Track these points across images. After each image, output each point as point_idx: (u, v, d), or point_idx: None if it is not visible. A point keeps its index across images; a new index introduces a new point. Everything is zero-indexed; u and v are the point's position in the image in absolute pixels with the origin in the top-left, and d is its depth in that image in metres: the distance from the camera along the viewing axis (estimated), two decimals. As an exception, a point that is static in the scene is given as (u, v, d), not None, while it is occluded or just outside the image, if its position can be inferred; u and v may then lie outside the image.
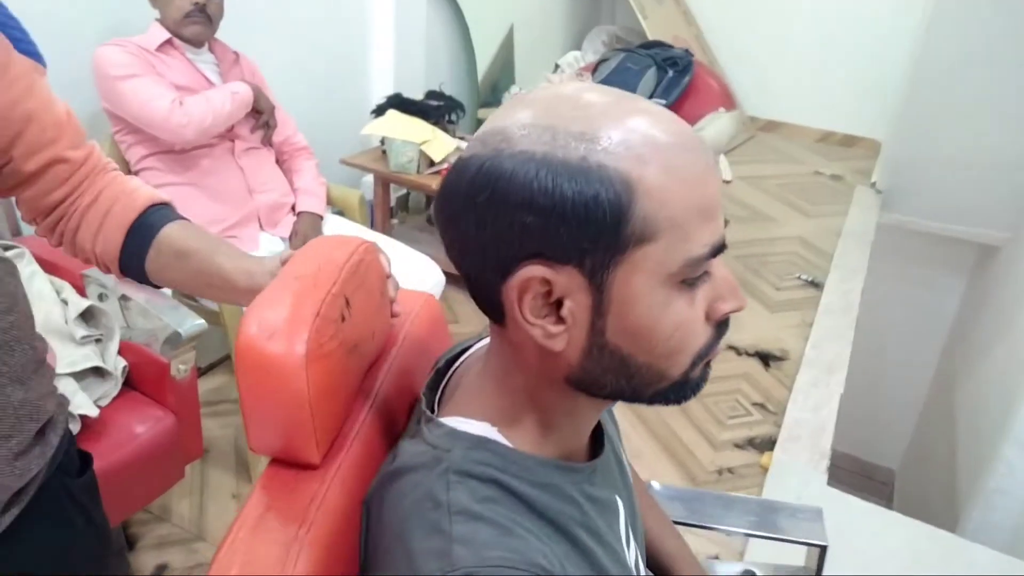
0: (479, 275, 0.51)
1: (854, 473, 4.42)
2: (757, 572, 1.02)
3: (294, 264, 0.63)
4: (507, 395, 0.56)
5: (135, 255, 0.79)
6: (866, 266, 2.96)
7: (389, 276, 0.74)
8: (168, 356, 1.44)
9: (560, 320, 0.49)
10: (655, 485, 1.05)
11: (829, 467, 1.98)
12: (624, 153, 0.46)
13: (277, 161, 1.98)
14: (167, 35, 1.72)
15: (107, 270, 0.82)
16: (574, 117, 0.47)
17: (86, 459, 0.86)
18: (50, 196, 0.77)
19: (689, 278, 0.49)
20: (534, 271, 0.47)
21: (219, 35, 1.90)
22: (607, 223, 0.46)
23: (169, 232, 0.80)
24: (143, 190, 0.82)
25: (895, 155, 3.66)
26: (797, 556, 1.08)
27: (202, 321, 1.48)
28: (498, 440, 0.54)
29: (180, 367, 1.47)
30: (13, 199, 0.79)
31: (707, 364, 0.54)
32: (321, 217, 1.93)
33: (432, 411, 0.59)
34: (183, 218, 0.83)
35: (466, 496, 0.49)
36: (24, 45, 1.39)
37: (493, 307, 0.52)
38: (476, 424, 0.55)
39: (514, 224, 0.47)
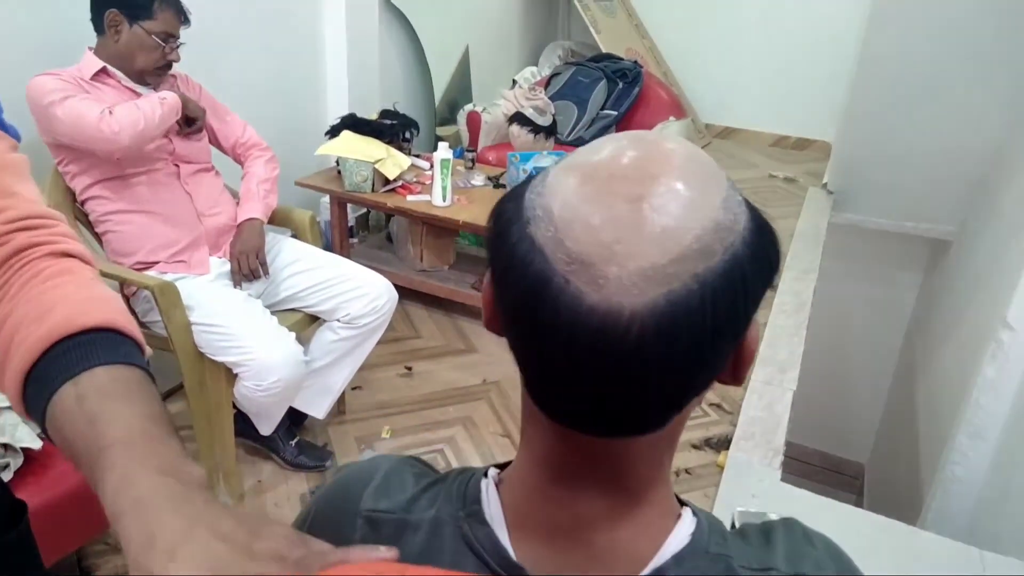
0: (705, 368, 0.43)
1: (824, 469, 4.49)
2: None
3: None
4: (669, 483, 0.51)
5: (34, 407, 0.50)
6: (818, 266, 3.02)
7: None
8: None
9: None
10: None
11: (799, 464, 2.02)
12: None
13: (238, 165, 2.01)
14: (101, 64, 1.73)
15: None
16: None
17: (19, 508, 0.82)
18: None
19: None
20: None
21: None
22: None
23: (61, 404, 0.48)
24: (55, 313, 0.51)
25: (844, 156, 3.74)
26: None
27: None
28: None
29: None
30: None
31: None
32: (260, 220, 1.92)
33: None
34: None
35: None
36: None
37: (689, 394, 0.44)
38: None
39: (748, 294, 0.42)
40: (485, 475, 0.52)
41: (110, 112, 1.61)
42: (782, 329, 2.55)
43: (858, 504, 4.23)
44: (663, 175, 0.41)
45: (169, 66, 1.79)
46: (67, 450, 0.47)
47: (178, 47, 1.77)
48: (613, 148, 0.43)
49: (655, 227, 0.39)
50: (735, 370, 0.46)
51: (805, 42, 4.56)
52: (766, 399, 2.23)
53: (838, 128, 3.93)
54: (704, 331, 0.40)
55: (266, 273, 1.88)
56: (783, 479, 2.01)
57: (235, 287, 1.84)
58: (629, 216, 0.39)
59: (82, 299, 0.51)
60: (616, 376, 0.40)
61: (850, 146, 3.71)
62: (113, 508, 0.41)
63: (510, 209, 0.44)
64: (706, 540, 0.48)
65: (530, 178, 0.46)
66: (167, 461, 0.44)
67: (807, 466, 4.37)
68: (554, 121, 3.14)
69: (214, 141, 2.00)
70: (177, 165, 1.82)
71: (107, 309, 0.52)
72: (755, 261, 0.42)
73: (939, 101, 3.31)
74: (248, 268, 1.84)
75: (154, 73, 1.77)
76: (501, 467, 0.54)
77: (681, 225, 0.40)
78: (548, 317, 0.40)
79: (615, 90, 3.37)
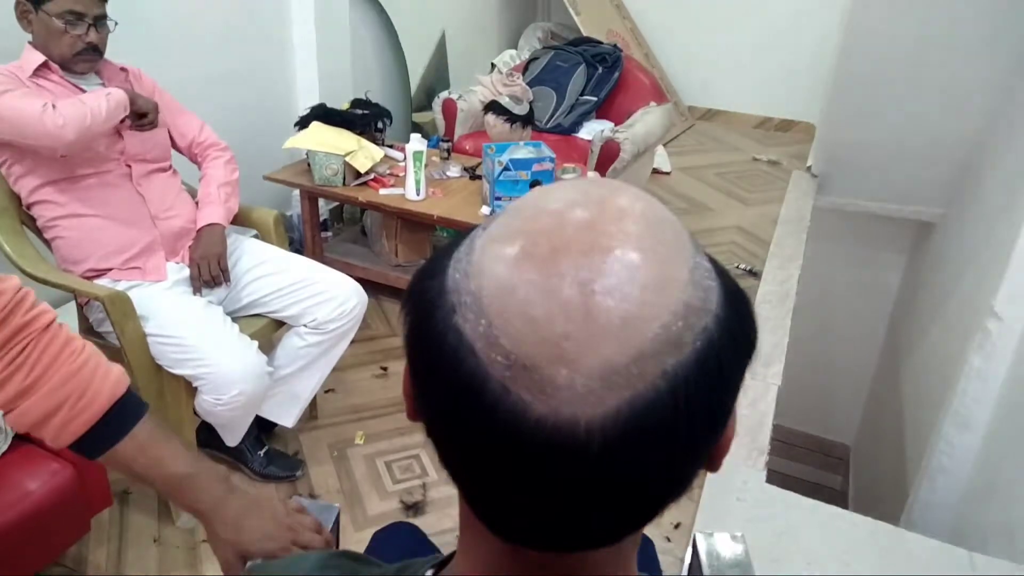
0: (683, 476, 0.36)
1: (810, 451, 4.48)
2: None
3: None
4: None
5: (98, 445, 0.72)
6: (802, 252, 2.97)
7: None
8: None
9: None
10: None
11: (784, 446, 1.97)
12: None
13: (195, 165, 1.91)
14: (42, 58, 1.62)
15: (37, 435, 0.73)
16: None
17: None
18: None
19: None
20: None
21: (123, 53, 1.81)
22: None
23: (122, 451, 0.73)
24: (96, 385, 0.73)
25: (829, 138, 3.68)
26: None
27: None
28: None
29: (77, 414, 1.39)
30: None
31: None
32: (222, 225, 1.82)
33: None
34: (141, 414, 0.75)
35: None
36: None
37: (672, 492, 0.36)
38: None
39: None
40: None
41: (53, 106, 1.51)
42: (766, 321, 2.50)
43: (843, 486, 4.23)
44: (618, 246, 0.33)
45: (95, 50, 1.65)
46: (134, 476, 0.74)
47: (97, 26, 1.63)
48: (556, 208, 0.35)
49: (612, 317, 0.31)
50: (711, 461, 0.38)
51: (789, 22, 4.48)
52: (750, 396, 2.18)
53: (822, 111, 3.87)
54: (677, 438, 0.33)
55: (227, 280, 1.79)
56: (770, 463, 1.95)
57: (194, 294, 1.75)
58: (579, 303, 0.31)
59: (99, 377, 0.73)
60: (573, 494, 0.33)
61: (834, 129, 3.65)
62: (203, 508, 0.73)
63: (431, 290, 0.35)
64: None
65: (452, 245, 0.37)
66: (215, 474, 0.75)
67: (793, 448, 4.36)
68: (531, 109, 3.05)
69: (171, 137, 1.89)
70: (129, 165, 1.72)
71: (114, 378, 0.74)
72: (732, 344, 0.34)
73: (923, 84, 3.25)
74: (209, 275, 1.75)
75: (77, 60, 1.63)
76: (441, 565, 0.46)
77: (643, 313, 0.32)
78: (484, 427, 0.32)
79: (595, 75, 3.27)
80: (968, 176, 3.25)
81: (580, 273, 0.32)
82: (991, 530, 2.06)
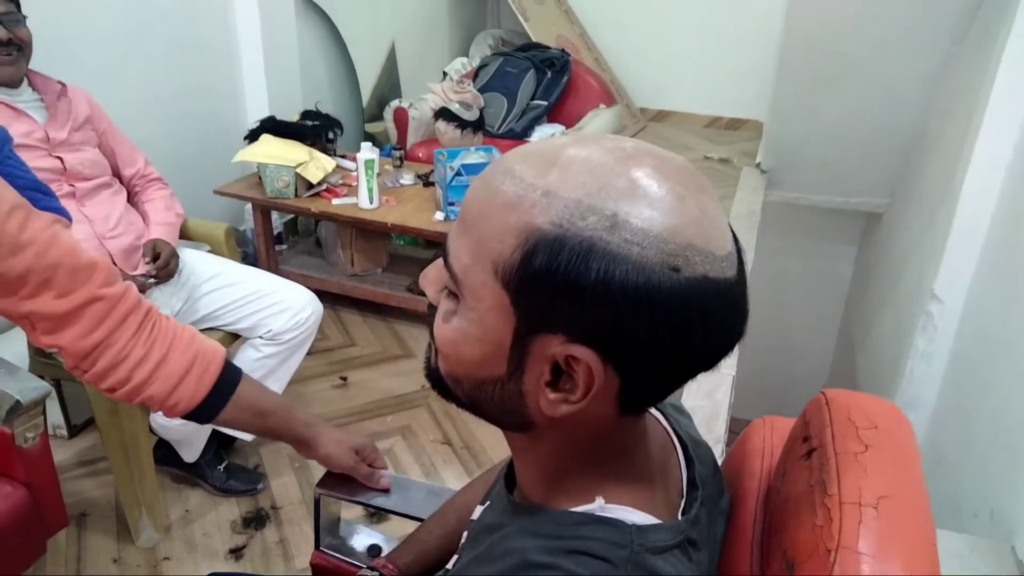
0: None
1: (773, 443, 4.56)
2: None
3: None
4: None
5: (211, 408, 0.91)
6: (754, 246, 3.04)
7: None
8: (11, 426, 1.34)
9: None
10: None
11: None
12: None
13: (129, 196, 1.88)
14: None
15: (158, 407, 0.90)
16: None
17: None
18: (90, 336, 0.83)
19: None
20: None
21: (65, 69, 1.79)
22: None
23: (245, 392, 0.93)
24: (207, 344, 0.92)
25: (775, 134, 3.77)
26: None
27: (44, 384, 1.39)
28: None
29: (27, 436, 1.38)
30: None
31: None
32: (169, 244, 1.81)
33: None
34: (242, 373, 0.95)
35: None
36: (46, 202, 1.44)
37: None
38: None
39: None
40: None
41: None
42: (719, 314, 2.55)
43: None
44: None
45: (10, 44, 1.60)
46: (256, 418, 0.96)
47: (6, 23, 1.59)
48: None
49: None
50: None
51: (737, 22, 4.58)
52: (705, 387, 2.22)
53: (768, 108, 3.96)
54: None
55: (170, 277, 1.78)
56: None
57: (146, 278, 1.72)
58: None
59: (204, 340, 0.94)
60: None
61: (780, 125, 3.74)
62: (302, 433, 0.98)
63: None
64: None
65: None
66: (304, 415, 1.00)
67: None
68: (481, 115, 3.08)
69: (112, 163, 1.87)
70: (73, 185, 1.71)
71: (213, 343, 0.94)
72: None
73: (862, 78, 3.34)
74: (165, 261, 1.74)
75: None
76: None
77: None
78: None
79: (544, 80, 3.32)
80: (910, 165, 3.36)
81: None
82: (939, 504, 2.13)
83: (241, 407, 0.92)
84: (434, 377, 0.54)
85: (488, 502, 0.66)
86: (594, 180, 0.43)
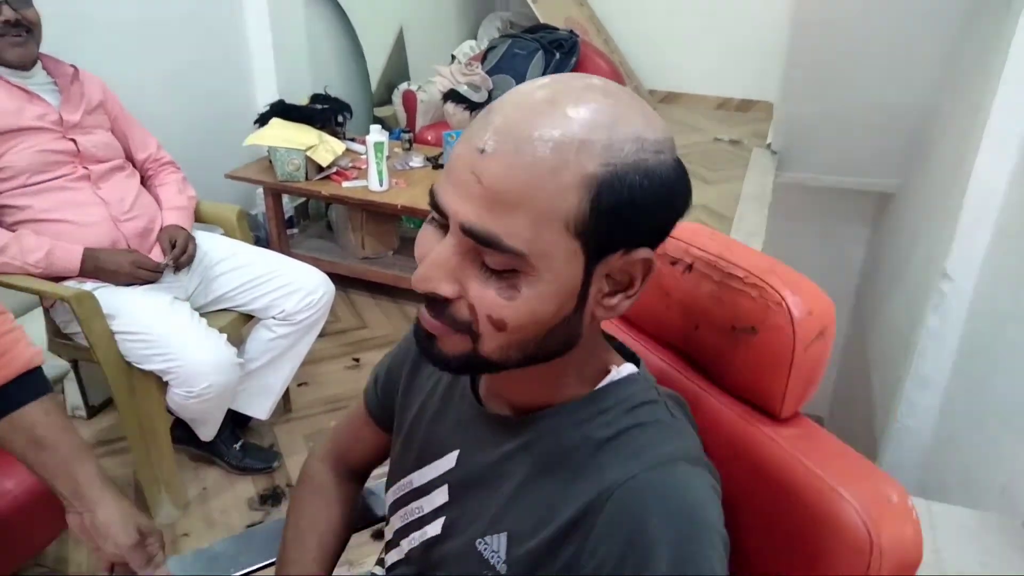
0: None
1: (785, 425, 4.56)
2: None
3: None
4: None
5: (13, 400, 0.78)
6: (765, 227, 3.03)
7: None
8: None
9: None
10: None
11: None
12: None
13: (142, 179, 1.89)
14: None
15: None
16: None
17: None
18: None
19: None
20: None
21: (77, 55, 1.80)
22: None
23: (31, 413, 0.78)
24: (22, 347, 0.80)
25: (786, 115, 3.75)
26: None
27: (61, 363, 1.41)
28: None
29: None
30: None
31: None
32: (184, 230, 1.83)
33: None
34: (47, 397, 0.80)
35: None
36: None
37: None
38: None
39: None
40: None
41: None
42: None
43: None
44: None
45: (19, 25, 1.59)
46: (27, 444, 0.79)
47: (12, 3, 1.58)
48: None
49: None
50: None
51: (745, 3, 4.54)
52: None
53: (779, 89, 3.94)
54: None
55: (189, 263, 1.79)
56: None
57: (164, 268, 1.74)
58: None
59: (22, 343, 0.83)
60: None
61: (791, 105, 3.72)
62: (81, 485, 0.80)
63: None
64: None
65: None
66: (98, 473, 0.81)
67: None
68: (490, 97, 3.08)
69: (125, 147, 1.88)
70: (87, 167, 1.72)
71: (33, 351, 0.83)
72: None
73: (874, 58, 3.32)
74: (182, 249, 1.76)
75: (5, 45, 1.59)
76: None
77: None
78: None
79: (552, 61, 3.31)
80: (921, 145, 3.33)
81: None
82: (952, 483, 2.13)
83: (16, 427, 0.77)
84: (473, 362, 0.55)
85: (457, 450, 0.67)
86: (604, 117, 0.50)
